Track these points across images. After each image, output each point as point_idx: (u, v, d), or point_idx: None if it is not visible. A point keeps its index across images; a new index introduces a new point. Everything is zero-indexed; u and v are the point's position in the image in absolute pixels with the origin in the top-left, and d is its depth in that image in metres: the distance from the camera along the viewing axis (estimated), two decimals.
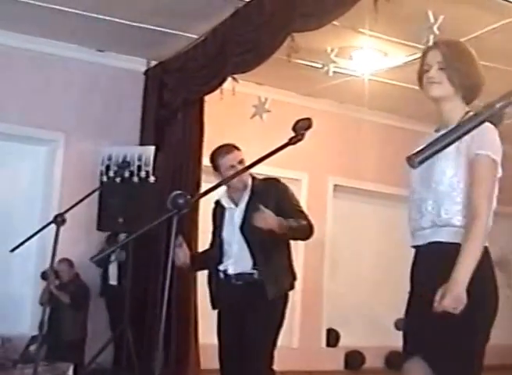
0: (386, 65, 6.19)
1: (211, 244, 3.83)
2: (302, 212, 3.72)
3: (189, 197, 2.35)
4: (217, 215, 3.78)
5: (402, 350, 2.46)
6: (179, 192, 2.38)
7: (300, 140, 2.42)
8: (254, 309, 3.59)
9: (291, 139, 2.43)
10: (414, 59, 5.83)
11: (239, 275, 3.64)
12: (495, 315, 2.33)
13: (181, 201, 2.30)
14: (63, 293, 5.57)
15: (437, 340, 2.30)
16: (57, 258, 4.37)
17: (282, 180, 7.36)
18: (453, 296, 2.17)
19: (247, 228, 3.62)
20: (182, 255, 3.59)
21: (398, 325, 2.48)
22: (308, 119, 2.46)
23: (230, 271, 3.67)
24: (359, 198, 7.98)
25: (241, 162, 3.67)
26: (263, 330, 3.59)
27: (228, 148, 3.77)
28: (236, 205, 3.72)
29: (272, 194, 3.66)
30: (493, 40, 5.35)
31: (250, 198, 3.68)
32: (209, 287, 3.83)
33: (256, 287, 3.60)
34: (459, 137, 1.22)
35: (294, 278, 3.75)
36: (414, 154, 1.24)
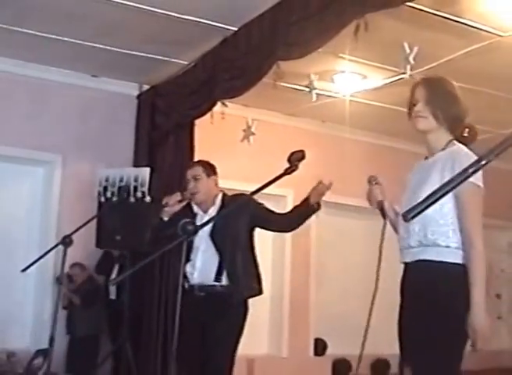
0: (366, 87, 6.51)
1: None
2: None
3: (197, 224, 2.64)
4: (187, 218, 3.91)
5: (399, 358, 2.69)
6: (188, 220, 2.69)
7: (294, 170, 2.69)
8: (215, 320, 3.80)
9: (286, 169, 2.70)
10: (391, 82, 6.20)
11: (202, 286, 3.87)
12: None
13: (190, 227, 2.59)
14: (75, 295, 5.92)
15: (422, 352, 2.51)
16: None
17: (269, 197, 7.70)
18: (480, 336, 2.40)
19: (217, 234, 3.89)
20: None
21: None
22: (301, 151, 2.72)
23: (195, 281, 3.89)
24: (342, 213, 8.27)
25: (195, 177, 4.07)
26: (224, 340, 3.80)
27: (192, 163, 4.29)
28: (205, 212, 4.04)
29: (242, 206, 3.92)
30: (466, 63, 5.67)
31: (221, 208, 4.00)
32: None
33: (218, 297, 3.83)
34: (447, 193, 1.45)
35: (260, 283, 4.00)
36: (407, 211, 1.48)
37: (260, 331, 7.70)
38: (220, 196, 4.10)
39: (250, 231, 4.05)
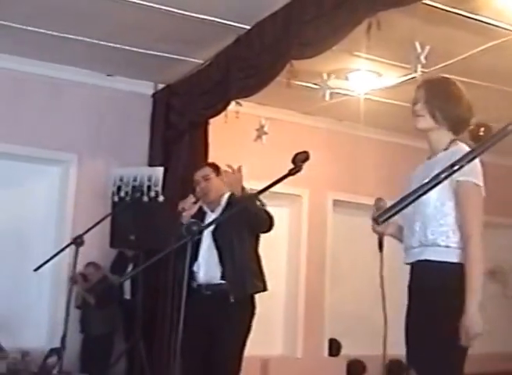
0: (381, 85, 6.47)
1: None
2: (265, 210, 4.02)
3: (202, 224, 2.70)
4: (197, 217, 4.13)
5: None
6: (193, 220, 2.75)
7: (298, 171, 2.68)
8: (221, 319, 3.88)
9: (290, 171, 2.70)
10: (407, 80, 6.15)
11: (208, 285, 3.98)
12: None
13: (195, 228, 2.64)
14: (89, 295, 5.95)
15: (424, 352, 2.53)
16: None
17: (284, 196, 7.62)
18: (471, 337, 2.40)
19: (218, 233, 4.00)
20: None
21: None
22: (305, 152, 2.71)
23: (201, 280, 3.99)
24: (358, 212, 8.23)
25: (205, 177, 4.19)
26: (230, 340, 3.87)
27: (201, 165, 4.40)
28: (212, 211, 4.19)
29: (247, 207, 3.95)
30: (482, 60, 5.62)
31: (226, 208, 4.13)
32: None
33: (223, 295, 3.92)
34: (420, 196, 1.45)
35: (263, 281, 4.07)
36: (378, 215, 1.48)
37: (274, 331, 7.69)
38: (226, 196, 4.20)
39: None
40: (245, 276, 3.96)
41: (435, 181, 1.39)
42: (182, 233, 2.74)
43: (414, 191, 1.43)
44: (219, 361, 3.88)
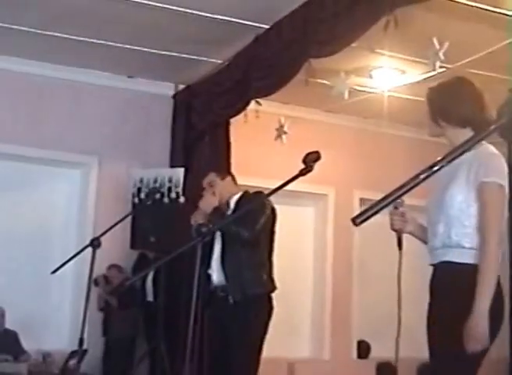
0: (404, 82, 6.37)
1: None
2: (252, 222, 3.97)
3: (211, 226, 2.71)
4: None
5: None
6: (202, 222, 2.77)
7: (309, 171, 2.68)
8: (234, 321, 3.94)
9: (301, 171, 2.70)
10: (430, 76, 6.03)
11: (222, 286, 4.02)
12: (497, 332, 2.50)
13: (204, 229, 2.63)
14: (112, 297, 5.96)
15: (445, 353, 2.52)
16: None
17: (309, 196, 7.55)
18: (474, 338, 2.38)
19: (225, 235, 4.04)
20: None
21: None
22: (316, 152, 2.71)
23: (215, 282, 4.04)
24: (386, 211, 8.10)
25: (210, 184, 4.25)
26: (241, 339, 3.92)
27: (207, 172, 4.43)
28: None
29: (255, 208, 4.03)
30: (509, 55, 5.49)
31: (235, 210, 4.16)
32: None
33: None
34: (395, 199, 1.40)
35: (270, 281, 4.07)
36: (356, 216, 1.43)
37: (301, 333, 7.61)
38: (235, 198, 4.19)
39: (265, 231, 4.10)
40: (244, 278, 3.98)
41: (414, 182, 1.35)
42: (191, 235, 2.77)
43: (393, 193, 1.39)
44: (230, 362, 3.93)
